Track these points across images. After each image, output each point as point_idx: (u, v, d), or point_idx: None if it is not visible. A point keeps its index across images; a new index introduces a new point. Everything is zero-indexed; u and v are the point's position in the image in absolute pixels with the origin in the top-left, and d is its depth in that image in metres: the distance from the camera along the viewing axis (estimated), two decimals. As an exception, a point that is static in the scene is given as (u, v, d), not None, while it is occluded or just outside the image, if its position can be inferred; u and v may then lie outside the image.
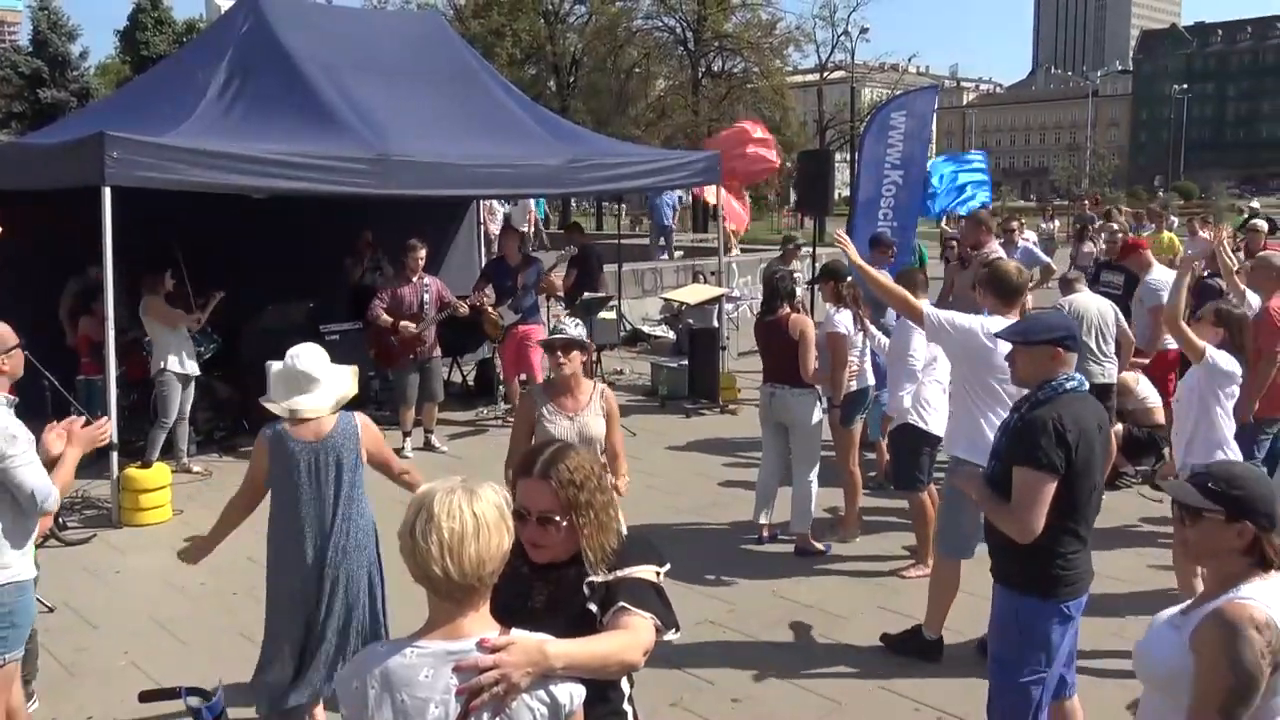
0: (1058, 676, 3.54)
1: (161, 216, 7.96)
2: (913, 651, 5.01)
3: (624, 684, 2.38)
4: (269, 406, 3.99)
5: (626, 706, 2.39)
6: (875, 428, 7.34)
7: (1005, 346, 4.56)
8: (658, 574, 2.37)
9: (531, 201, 17.96)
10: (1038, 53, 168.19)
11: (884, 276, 5.26)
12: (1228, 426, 5.19)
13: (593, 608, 2.25)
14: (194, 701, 3.17)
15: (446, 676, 1.93)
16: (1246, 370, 5.38)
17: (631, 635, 2.17)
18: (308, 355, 3.98)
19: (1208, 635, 2.28)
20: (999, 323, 4.52)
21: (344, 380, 4.06)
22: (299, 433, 3.93)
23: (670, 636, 2.32)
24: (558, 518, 2.27)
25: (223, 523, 4.06)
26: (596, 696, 2.19)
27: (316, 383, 3.95)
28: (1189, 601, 2.48)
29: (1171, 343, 8.37)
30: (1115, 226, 14.39)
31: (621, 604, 2.22)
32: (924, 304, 4.99)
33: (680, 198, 22.36)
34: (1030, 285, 10.12)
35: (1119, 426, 7.65)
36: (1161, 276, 8.15)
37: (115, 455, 6.88)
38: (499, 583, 2.04)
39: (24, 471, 3.50)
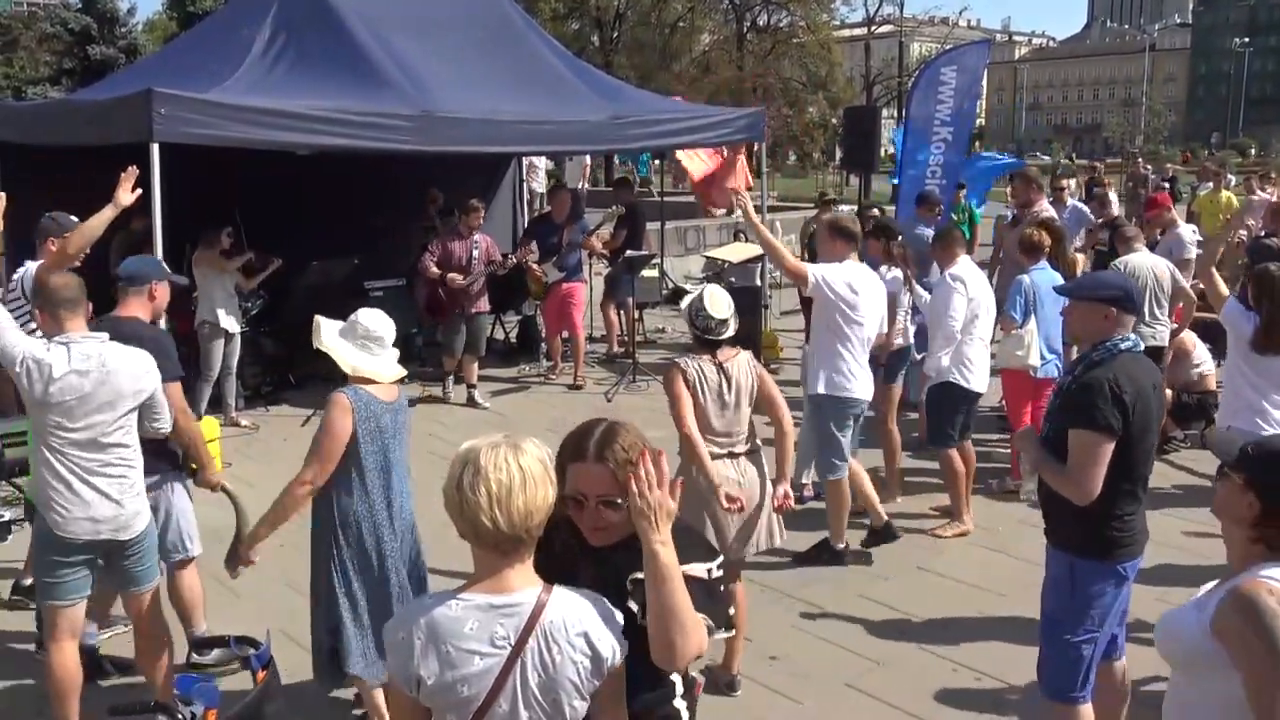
0: (1109, 636, 3.55)
1: (208, 173, 8.03)
2: (824, 561, 5.56)
3: (677, 680, 2.32)
4: (360, 368, 3.81)
5: (679, 703, 2.33)
6: (916, 389, 7.29)
7: (867, 291, 5.41)
8: (709, 571, 2.26)
9: (587, 158, 17.18)
10: (1093, 5, 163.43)
11: (778, 241, 5.77)
12: (1256, 393, 4.80)
13: (634, 606, 2.16)
14: (243, 650, 3.24)
15: (491, 628, 1.97)
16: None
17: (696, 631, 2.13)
18: (377, 319, 3.87)
19: (1230, 621, 2.23)
20: (853, 267, 5.45)
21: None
22: (382, 396, 3.84)
23: (720, 635, 2.27)
24: (620, 500, 2.19)
25: (284, 509, 3.74)
26: (652, 683, 2.20)
27: (385, 345, 3.88)
28: (1215, 582, 2.43)
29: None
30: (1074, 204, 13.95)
31: None
32: (807, 266, 5.56)
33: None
34: (1079, 246, 10.08)
35: (1168, 391, 7.52)
36: (1185, 234, 8.13)
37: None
38: (545, 552, 2.06)
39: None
